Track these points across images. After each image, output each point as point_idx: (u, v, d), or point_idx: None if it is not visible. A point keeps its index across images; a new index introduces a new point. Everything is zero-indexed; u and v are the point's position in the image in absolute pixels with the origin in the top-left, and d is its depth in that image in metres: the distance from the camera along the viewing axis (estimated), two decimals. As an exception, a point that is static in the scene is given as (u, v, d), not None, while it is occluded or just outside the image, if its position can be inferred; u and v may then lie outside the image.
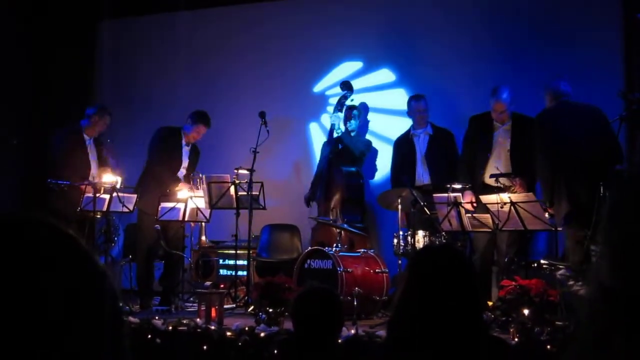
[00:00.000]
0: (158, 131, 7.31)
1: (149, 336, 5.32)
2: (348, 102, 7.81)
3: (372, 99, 8.35)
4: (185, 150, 7.36)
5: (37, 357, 0.72)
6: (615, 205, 0.87)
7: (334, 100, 8.26)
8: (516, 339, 4.74)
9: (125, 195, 6.90)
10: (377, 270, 6.48)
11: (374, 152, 8.07)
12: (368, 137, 8.15)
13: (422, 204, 6.43)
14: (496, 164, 6.42)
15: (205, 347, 5.16)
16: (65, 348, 0.73)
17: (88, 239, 6.73)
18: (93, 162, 7.36)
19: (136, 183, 7.24)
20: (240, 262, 7.24)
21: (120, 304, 0.82)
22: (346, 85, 7.87)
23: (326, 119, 8.42)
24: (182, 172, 7.32)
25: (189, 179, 7.28)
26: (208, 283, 7.64)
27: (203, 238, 7.96)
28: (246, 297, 6.71)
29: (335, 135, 7.73)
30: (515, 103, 6.70)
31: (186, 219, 6.97)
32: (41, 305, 0.73)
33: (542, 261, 6.16)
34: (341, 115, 7.76)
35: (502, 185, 6.17)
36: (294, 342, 3.09)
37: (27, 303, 0.72)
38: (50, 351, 0.72)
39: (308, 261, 6.47)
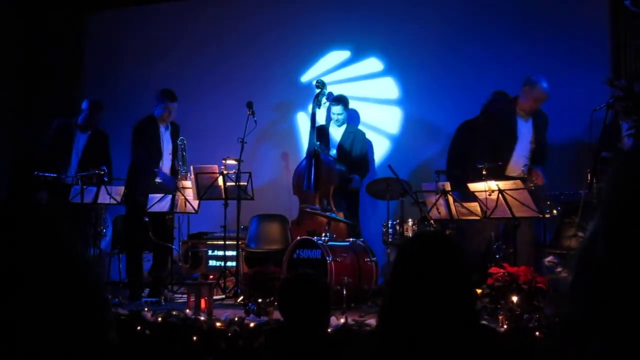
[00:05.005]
0: (133, 127, 7.25)
1: (139, 328, 5.31)
2: (324, 99, 7.80)
3: (360, 88, 8.33)
4: (166, 137, 7.25)
5: (17, 344, 0.71)
6: (614, 180, 0.88)
7: (321, 90, 8.24)
8: (505, 326, 4.76)
9: (113, 187, 6.88)
10: (366, 260, 6.48)
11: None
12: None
13: (411, 193, 6.44)
14: (523, 154, 6.40)
15: (194, 338, 5.15)
16: (45, 334, 0.73)
17: (76, 230, 6.71)
18: (76, 157, 7.33)
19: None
20: (229, 253, 7.22)
21: (107, 293, 0.81)
22: (319, 84, 7.85)
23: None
24: (168, 157, 7.26)
25: (177, 172, 7.23)
26: (197, 274, 7.64)
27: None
28: (235, 288, 6.70)
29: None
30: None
31: (174, 210, 6.95)
32: (22, 290, 0.72)
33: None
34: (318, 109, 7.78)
35: (524, 175, 6.19)
36: (281, 331, 3.08)
37: (8, 288, 0.72)
38: (31, 337, 0.72)
39: (297, 251, 6.47)
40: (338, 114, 7.62)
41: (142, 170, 7.02)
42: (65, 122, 7.49)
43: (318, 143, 7.50)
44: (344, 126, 7.74)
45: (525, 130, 6.47)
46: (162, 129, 7.20)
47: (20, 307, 0.76)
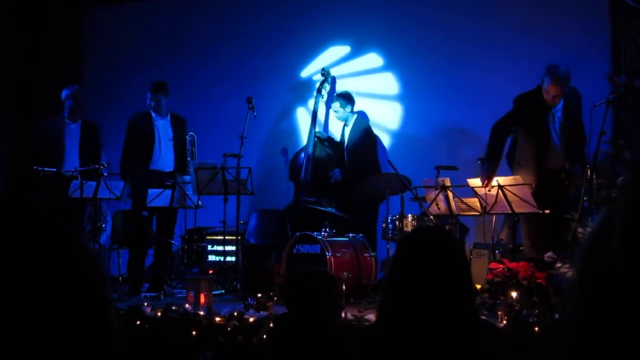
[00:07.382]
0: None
1: (138, 322, 5.32)
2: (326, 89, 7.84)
3: (359, 84, 8.32)
4: (163, 122, 7.25)
5: (17, 339, 0.71)
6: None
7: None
8: (504, 322, 4.76)
9: (113, 181, 6.89)
10: (365, 255, 6.49)
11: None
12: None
13: (410, 189, 6.45)
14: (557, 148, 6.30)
15: (194, 333, 5.16)
16: (48, 330, 0.72)
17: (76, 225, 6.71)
18: (72, 149, 7.31)
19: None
20: (228, 248, 7.23)
21: (109, 288, 0.81)
22: (323, 72, 7.89)
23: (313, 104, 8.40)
24: (169, 143, 7.27)
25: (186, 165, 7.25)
26: (196, 269, 7.65)
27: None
28: (235, 283, 6.71)
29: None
30: (505, 87, 6.67)
31: (175, 205, 6.95)
32: (24, 285, 0.72)
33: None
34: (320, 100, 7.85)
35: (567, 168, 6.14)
36: (287, 324, 3.08)
37: (10, 283, 0.71)
38: (32, 332, 0.71)
39: (297, 246, 6.48)
40: (335, 111, 7.60)
41: (132, 162, 7.07)
42: (52, 118, 7.45)
43: (325, 134, 7.56)
44: (353, 122, 7.64)
45: (557, 115, 6.34)
46: (157, 119, 7.19)
47: (17, 304, 0.76)
